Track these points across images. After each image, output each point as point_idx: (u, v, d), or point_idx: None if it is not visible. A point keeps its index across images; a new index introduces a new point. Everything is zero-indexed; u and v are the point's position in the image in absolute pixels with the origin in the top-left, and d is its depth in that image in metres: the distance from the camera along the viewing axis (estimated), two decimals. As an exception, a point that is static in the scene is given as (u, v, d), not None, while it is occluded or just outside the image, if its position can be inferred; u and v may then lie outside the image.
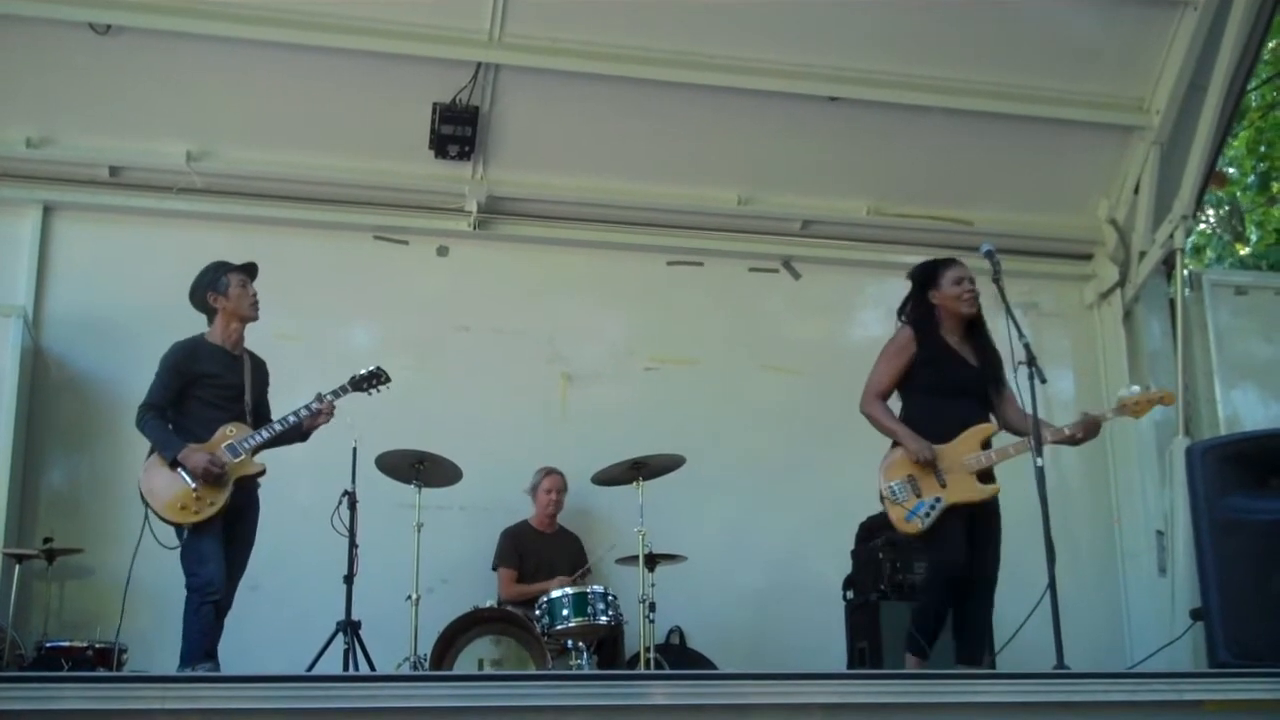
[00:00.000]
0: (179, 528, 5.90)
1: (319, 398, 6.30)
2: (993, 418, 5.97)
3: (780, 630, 7.70)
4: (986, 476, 5.83)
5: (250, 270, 6.37)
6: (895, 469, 5.90)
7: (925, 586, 6.46)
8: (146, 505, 5.91)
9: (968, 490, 5.80)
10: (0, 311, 7.58)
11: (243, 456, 6.03)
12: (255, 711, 4.20)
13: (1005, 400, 6.03)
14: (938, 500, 5.78)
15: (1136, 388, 5.80)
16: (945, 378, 6.00)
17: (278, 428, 6.16)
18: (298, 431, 6.27)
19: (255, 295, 6.33)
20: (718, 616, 8.07)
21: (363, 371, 6.52)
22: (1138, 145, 8.95)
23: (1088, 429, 5.86)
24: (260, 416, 6.31)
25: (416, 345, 8.45)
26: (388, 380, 6.58)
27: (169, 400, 6.09)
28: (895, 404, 6.06)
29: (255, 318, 6.36)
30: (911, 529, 5.84)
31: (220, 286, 6.26)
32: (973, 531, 5.83)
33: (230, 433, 6.06)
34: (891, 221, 9.12)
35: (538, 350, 8.59)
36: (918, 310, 6.14)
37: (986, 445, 5.87)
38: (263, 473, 6.15)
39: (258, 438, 6.11)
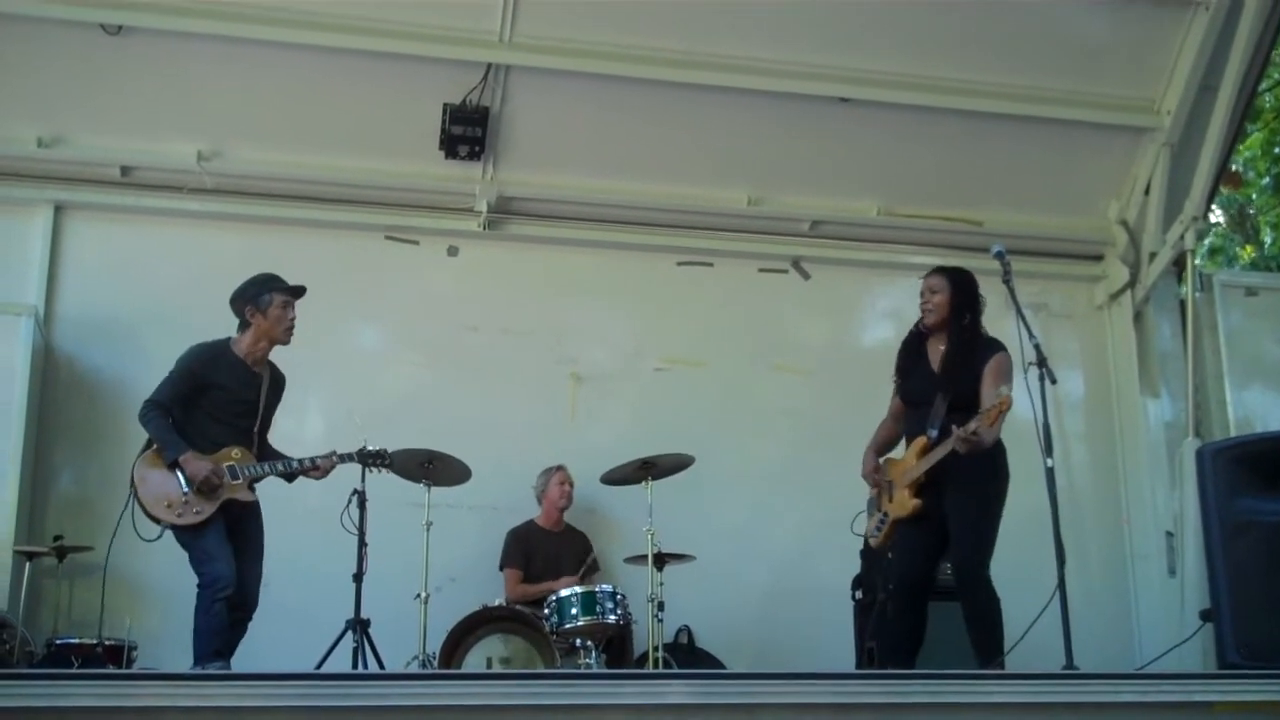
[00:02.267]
0: (158, 524, 5.95)
1: (330, 455, 6.35)
2: (933, 428, 5.92)
3: (789, 630, 7.70)
4: (926, 490, 5.91)
5: (298, 293, 6.34)
6: (873, 486, 6.26)
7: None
8: (134, 493, 5.96)
9: (900, 505, 6.00)
10: (11, 310, 7.59)
11: (240, 481, 6.05)
12: (264, 709, 4.20)
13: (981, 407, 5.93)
14: (885, 516, 6.09)
15: (1002, 390, 5.73)
16: (905, 389, 6.25)
17: (280, 467, 6.23)
18: (289, 475, 6.32)
19: (293, 321, 6.29)
20: (726, 616, 8.06)
21: (372, 448, 6.58)
22: (1148, 146, 8.93)
23: (957, 445, 5.70)
24: (261, 432, 6.33)
25: (426, 345, 8.49)
26: (391, 464, 6.70)
27: (175, 400, 6.10)
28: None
29: (286, 343, 6.34)
30: (874, 544, 6.24)
31: (262, 303, 6.22)
32: (946, 526, 5.95)
33: (235, 455, 6.09)
34: (902, 222, 9.11)
35: (547, 350, 8.60)
36: (915, 325, 6.34)
37: (922, 455, 5.93)
38: (253, 504, 6.19)
39: (260, 470, 6.14)
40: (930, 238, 9.12)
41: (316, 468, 6.30)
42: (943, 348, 6.15)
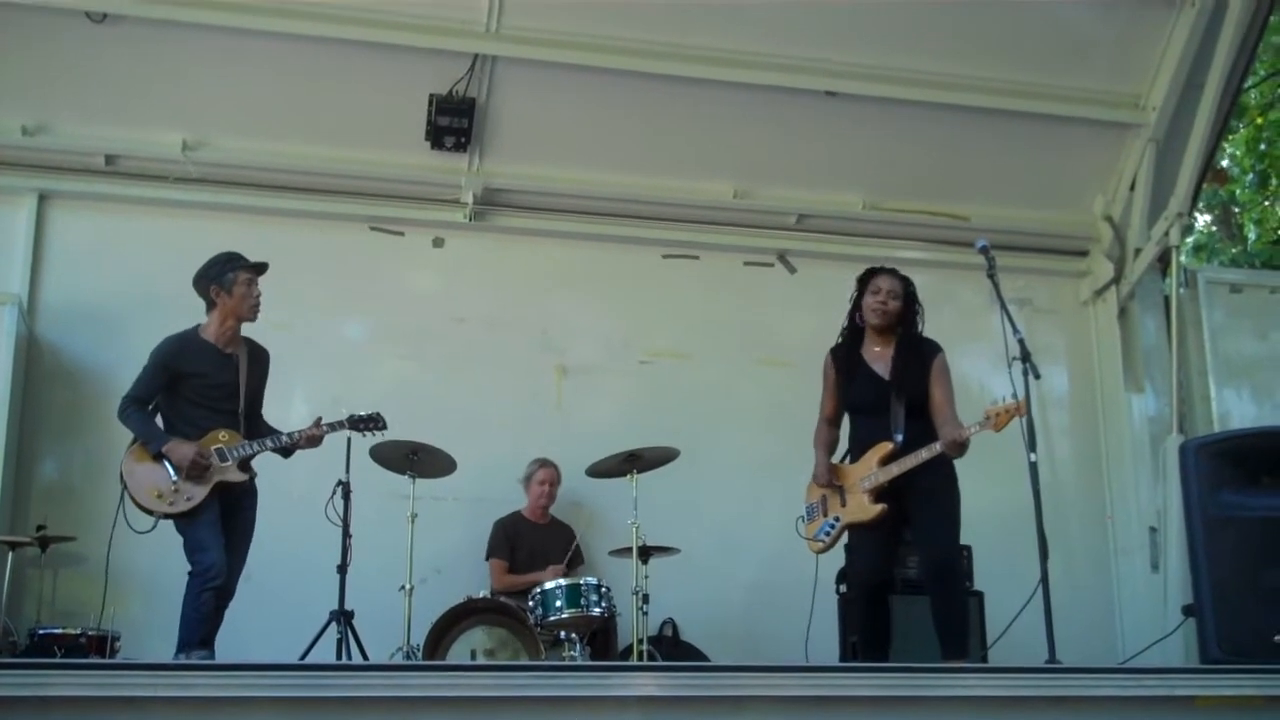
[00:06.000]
0: (151, 516, 5.95)
1: (317, 423, 6.34)
2: (899, 433, 5.94)
3: (773, 623, 7.70)
4: (884, 493, 5.91)
5: (261, 269, 6.33)
6: (812, 490, 6.24)
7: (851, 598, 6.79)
8: (124, 487, 5.95)
9: (860, 510, 5.98)
10: (-5, 299, 7.59)
11: (229, 463, 6.04)
12: (247, 700, 4.19)
13: (934, 409, 6.00)
14: (837, 520, 6.05)
15: (1003, 399, 5.78)
16: (854, 395, 6.19)
17: (269, 443, 6.21)
18: (283, 449, 6.31)
19: (259, 297, 6.29)
20: (711, 609, 8.08)
21: (363, 413, 6.58)
22: (1134, 142, 8.96)
23: (949, 448, 5.81)
24: (254, 411, 6.32)
25: (411, 336, 8.47)
26: (384, 427, 6.66)
27: (152, 394, 6.13)
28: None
29: (253, 320, 6.34)
30: (814, 548, 6.18)
31: (225, 282, 6.22)
32: (913, 526, 6.01)
33: (222, 438, 6.09)
34: (887, 216, 9.12)
35: (532, 342, 8.60)
36: (848, 319, 6.31)
37: (887, 462, 5.92)
38: (245, 482, 6.18)
39: (248, 449, 6.13)
40: (916, 232, 9.14)
41: (304, 438, 6.28)
42: (879, 349, 6.17)
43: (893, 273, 6.26)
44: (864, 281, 6.27)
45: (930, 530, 5.93)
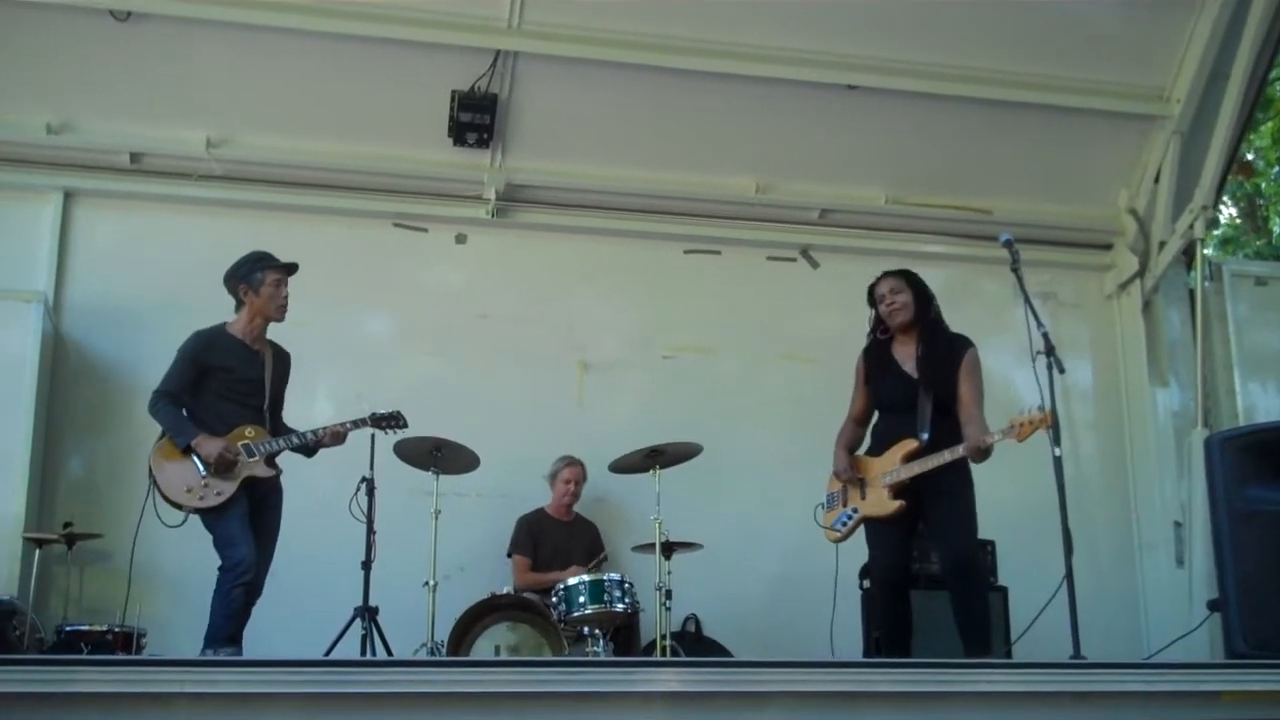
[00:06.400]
0: (180, 510, 5.99)
1: (342, 424, 6.38)
2: (925, 431, 5.99)
3: (796, 618, 7.69)
4: (904, 489, 5.97)
5: (291, 270, 6.37)
6: (833, 480, 6.31)
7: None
8: (153, 482, 5.98)
9: (879, 505, 6.04)
10: (21, 297, 7.61)
11: (256, 458, 6.07)
12: (273, 696, 4.20)
13: (960, 408, 6.03)
14: (854, 511, 6.13)
15: (1030, 409, 5.76)
16: (880, 394, 6.28)
17: (295, 440, 6.26)
18: (307, 448, 6.34)
19: (286, 298, 6.34)
20: (734, 604, 8.07)
21: (384, 411, 6.61)
22: (1158, 135, 8.92)
23: (972, 454, 5.85)
24: (275, 412, 6.36)
25: (434, 333, 8.49)
26: (404, 425, 6.70)
27: (183, 388, 6.15)
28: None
29: (281, 320, 6.39)
30: (831, 537, 6.27)
31: (254, 281, 6.27)
32: (929, 524, 6.08)
33: (249, 434, 6.12)
34: (910, 210, 9.10)
35: (555, 338, 8.60)
36: (870, 336, 6.40)
37: (911, 459, 5.96)
38: (272, 478, 6.21)
39: (275, 445, 6.16)
40: (939, 226, 9.12)
41: (329, 435, 6.32)
42: (908, 348, 6.22)
43: (887, 274, 6.36)
44: (870, 297, 6.37)
45: (948, 528, 5.97)
